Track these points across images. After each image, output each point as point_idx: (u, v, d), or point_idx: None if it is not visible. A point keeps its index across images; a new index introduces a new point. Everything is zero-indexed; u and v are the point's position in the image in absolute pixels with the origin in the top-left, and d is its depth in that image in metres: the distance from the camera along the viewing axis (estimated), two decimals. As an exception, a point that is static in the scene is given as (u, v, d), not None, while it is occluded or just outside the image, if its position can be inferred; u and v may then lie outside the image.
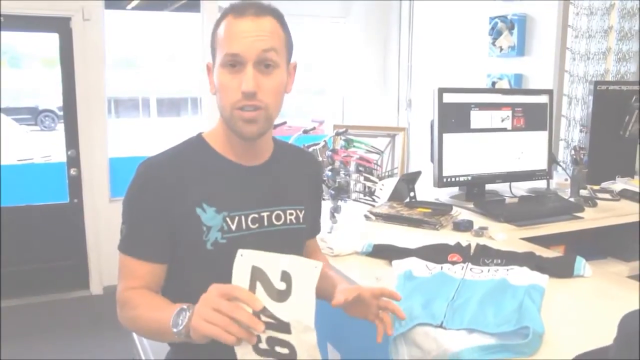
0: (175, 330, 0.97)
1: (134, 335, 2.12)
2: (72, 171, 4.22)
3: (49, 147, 7.13)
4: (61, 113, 4.58)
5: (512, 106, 2.28)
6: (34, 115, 9.93)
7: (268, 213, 1.21)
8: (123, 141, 5.96)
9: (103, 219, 4.26)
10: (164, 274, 1.19)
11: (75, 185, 4.25)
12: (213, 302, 0.92)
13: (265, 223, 1.21)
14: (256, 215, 1.20)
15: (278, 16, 1.16)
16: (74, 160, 4.22)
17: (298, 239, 1.28)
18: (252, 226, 1.19)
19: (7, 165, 4.17)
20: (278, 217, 1.22)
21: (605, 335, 0.94)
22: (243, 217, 1.18)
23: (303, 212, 1.27)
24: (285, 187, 1.25)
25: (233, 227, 1.17)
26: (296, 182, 1.28)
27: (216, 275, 1.15)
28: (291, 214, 1.24)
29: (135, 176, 1.17)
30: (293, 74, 1.23)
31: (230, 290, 0.93)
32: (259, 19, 1.11)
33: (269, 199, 1.22)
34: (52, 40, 4.17)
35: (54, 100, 8.50)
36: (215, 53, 1.15)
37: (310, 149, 2.51)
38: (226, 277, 1.16)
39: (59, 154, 4.36)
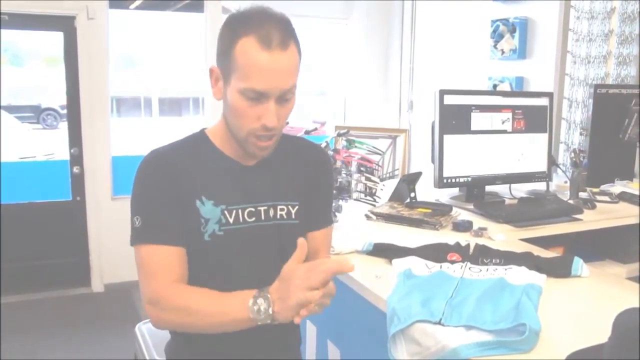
0: (257, 316, 1.04)
1: (137, 332, 2.14)
2: (75, 169, 4.24)
3: (51, 145, 7.15)
4: (63, 111, 4.60)
5: (512, 108, 2.30)
6: (36, 114, 9.97)
7: (265, 207, 1.23)
8: (125, 140, 5.98)
9: (105, 216, 4.28)
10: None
11: (78, 183, 4.28)
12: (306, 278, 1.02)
13: (263, 217, 1.23)
14: (253, 209, 1.22)
15: (295, 38, 1.14)
16: (76, 158, 4.24)
17: (291, 234, 1.26)
18: (248, 219, 1.21)
19: (9, 163, 4.19)
20: (272, 212, 1.24)
21: (601, 334, 0.96)
22: (240, 210, 1.20)
23: (296, 207, 1.27)
24: (280, 183, 1.27)
25: (231, 220, 1.19)
26: (292, 178, 1.29)
27: (211, 264, 1.19)
28: (282, 210, 1.25)
29: (142, 165, 1.19)
30: None
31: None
32: (284, 52, 1.09)
33: (265, 194, 1.24)
34: (54, 38, 4.20)
35: (57, 99, 8.53)
36: (230, 71, 1.11)
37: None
38: (220, 266, 1.20)
39: (62, 152, 4.38)
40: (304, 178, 1.31)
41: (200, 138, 1.26)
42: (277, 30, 1.08)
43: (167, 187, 1.16)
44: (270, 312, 1.04)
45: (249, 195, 1.22)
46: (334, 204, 1.92)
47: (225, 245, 1.19)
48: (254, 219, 1.22)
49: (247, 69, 1.08)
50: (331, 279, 1.05)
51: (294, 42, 1.13)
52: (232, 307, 1.08)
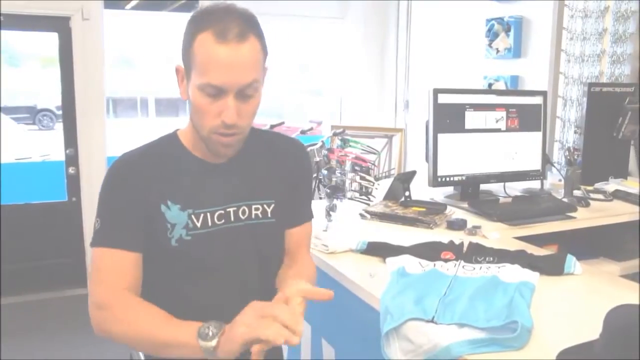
0: (202, 342, 0.96)
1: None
2: (71, 170, 4.23)
3: (47, 146, 7.14)
4: (59, 112, 4.59)
5: (506, 107, 2.31)
6: (32, 115, 9.94)
7: (235, 208, 1.21)
8: (121, 140, 5.97)
9: (101, 217, 4.27)
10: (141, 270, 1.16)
11: (74, 184, 4.27)
12: (257, 311, 0.96)
13: (232, 218, 1.20)
14: (222, 212, 1.19)
15: (257, 32, 1.10)
16: (72, 159, 4.23)
17: (268, 233, 1.26)
18: (217, 222, 1.18)
19: (5, 164, 4.18)
20: (244, 212, 1.22)
21: (593, 331, 0.97)
22: (209, 214, 1.18)
23: (272, 205, 1.25)
24: (253, 181, 1.24)
25: (198, 224, 1.17)
26: (266, 175, 1.26)
27: (179, 270, 1.16)
28: (257, 209, 1.23)
29: (109, 170, 1.18)
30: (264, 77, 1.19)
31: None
32: (242, 45, 1.05)
33: (236, 194, 1.21)
34: (50, 39, 4.19)
35: (53, 100, 8.50)
36: (190, 68, 1.10)
37: (308, 149, 2.53)
38: (189, 273, 1.16)
39: (58, 153, 4.37)
40: (280, 174, 1.28)
41: (171, 139, 1.24)
42: (236, 24, 1.06)
43: (131, 192, 1.14)
44: (216, 340, 0.96)
45: (220, 197, 1.19)
46: (328, 203, 1.92)
47: (195, 250, 1.16)
48: (223, 221, 1.19)
49: (204, 64, 1.06)
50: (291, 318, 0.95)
51: (255, 36, 1.09)
52: (181, 331, 1.01)
